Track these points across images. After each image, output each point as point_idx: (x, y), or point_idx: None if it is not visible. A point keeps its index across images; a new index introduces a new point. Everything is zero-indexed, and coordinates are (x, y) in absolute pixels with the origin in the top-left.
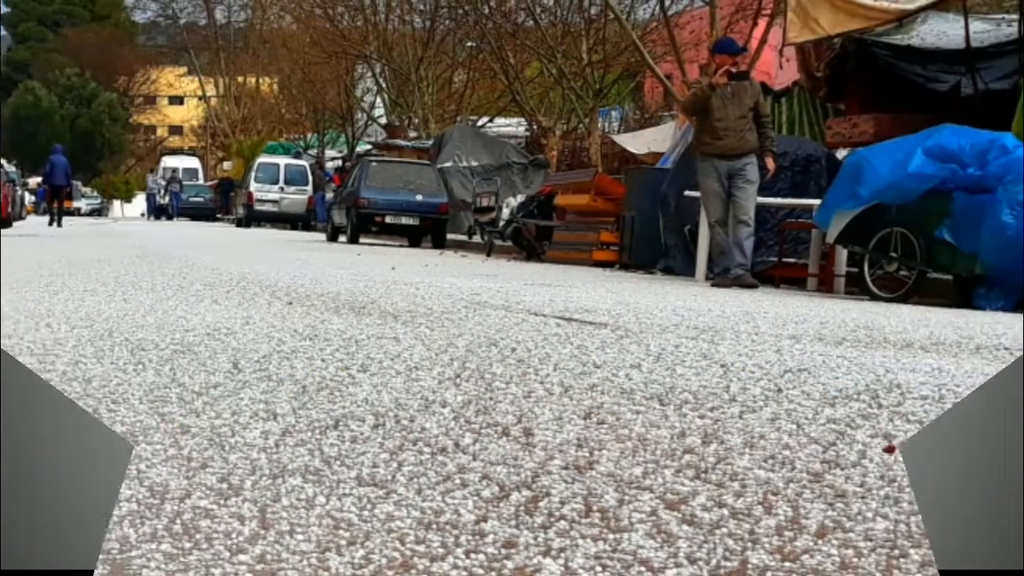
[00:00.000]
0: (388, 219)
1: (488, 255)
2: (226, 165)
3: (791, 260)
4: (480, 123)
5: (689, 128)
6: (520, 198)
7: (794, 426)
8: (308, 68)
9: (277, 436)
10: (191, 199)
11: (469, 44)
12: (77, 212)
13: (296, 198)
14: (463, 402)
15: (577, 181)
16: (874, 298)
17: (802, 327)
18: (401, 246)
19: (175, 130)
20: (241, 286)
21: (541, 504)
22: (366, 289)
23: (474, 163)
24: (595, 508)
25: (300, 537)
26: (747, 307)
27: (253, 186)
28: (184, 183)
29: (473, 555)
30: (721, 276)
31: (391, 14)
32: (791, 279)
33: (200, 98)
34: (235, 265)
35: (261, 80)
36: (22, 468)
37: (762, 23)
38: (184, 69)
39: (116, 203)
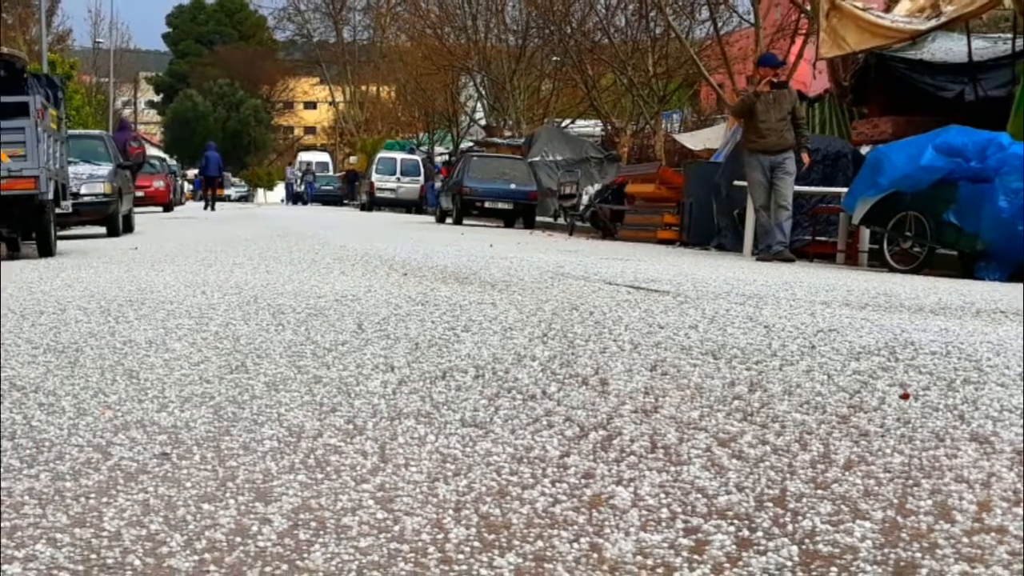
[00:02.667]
0: (487, 204)
1: (570, 234)
2: (352, 159)
3: (823, 239)
4: (563, 124)
5: (738, 128)
6: (597, 187)
7: (825, 376)
8: (420, 78)
9: (394, 385)
10: (322, 188)
11: (554, 58)
12: (227, 199)
13: (410, 187)
14: (549, 356)
15: (644, 173)
16: (892, 270)
17: (832, 294)
18: (497, 227)
19: (309, 130)
20: (364, 260)
21: (614, 442)
22: (468, 263)
23: (559, 157)
24: (659, 445)
25: (413, 469)
26: (786, 278)
27: (374, 177)
28: (317, 174)
29: (558, 484)
30: (764, 252)
31: (489, 33)
32: (822, 255)
33: (330, 103)
34: (359, 243)
35: (381, 88)
36: None
37: (799, 41)
38: (317, 79)
39: (260, 191)
